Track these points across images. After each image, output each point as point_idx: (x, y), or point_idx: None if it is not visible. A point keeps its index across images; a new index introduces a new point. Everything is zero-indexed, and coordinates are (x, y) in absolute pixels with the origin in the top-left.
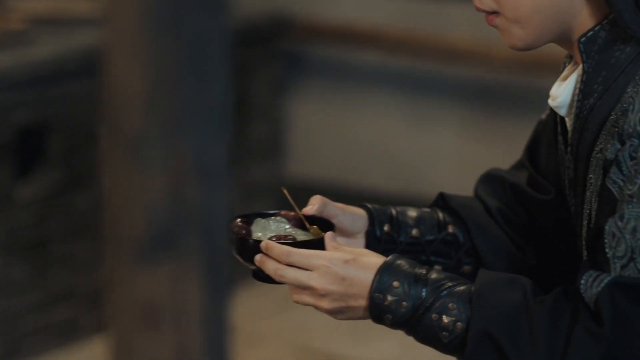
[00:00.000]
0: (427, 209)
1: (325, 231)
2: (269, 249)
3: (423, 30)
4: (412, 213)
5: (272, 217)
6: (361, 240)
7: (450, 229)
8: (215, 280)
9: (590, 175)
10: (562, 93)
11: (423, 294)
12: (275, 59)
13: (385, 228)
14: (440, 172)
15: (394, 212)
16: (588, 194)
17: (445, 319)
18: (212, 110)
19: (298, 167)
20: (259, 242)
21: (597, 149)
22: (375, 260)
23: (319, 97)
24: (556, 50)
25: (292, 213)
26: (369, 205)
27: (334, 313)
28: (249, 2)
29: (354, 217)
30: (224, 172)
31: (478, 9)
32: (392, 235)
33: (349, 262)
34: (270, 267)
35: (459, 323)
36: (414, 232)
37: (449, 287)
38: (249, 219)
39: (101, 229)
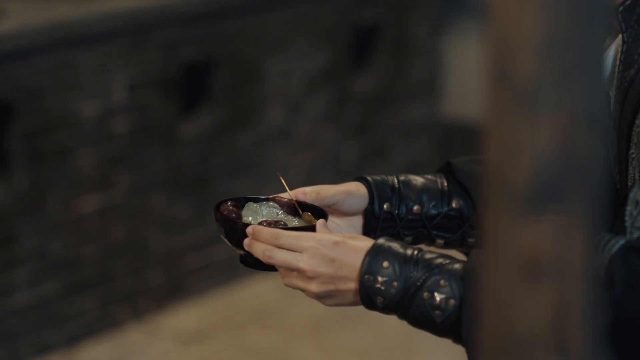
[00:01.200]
0: (432, 179)
1: (318, 218)
2: (257, 233)
3: None
4: (416, 185)
5: (265, 202)
6: (359, 218)
7: (455, 204)
8: (596, 235)
9: (632, 150)
10: None
11: (414, 273)
12: None
13: (385, 206)
14: None
15: (396, 184)
16: (630, 169)
17: (437, 296)
18: (599, 59)
19: (454, 107)
20: (247, 225)
21: (637, 122)
22: (365, 243)
23: (476, 36)
24: None
25: (285, 199)
26: (370, 180)
27: (323, 297)
28: None
29: (352, 198)
30: (605, 123)
31: None
32: (392, 213)
33: (339, 244)
34: (259, 249)
35: (451, 300)
36: (416, 208)
37: (440, 264)
38: (239, 202)
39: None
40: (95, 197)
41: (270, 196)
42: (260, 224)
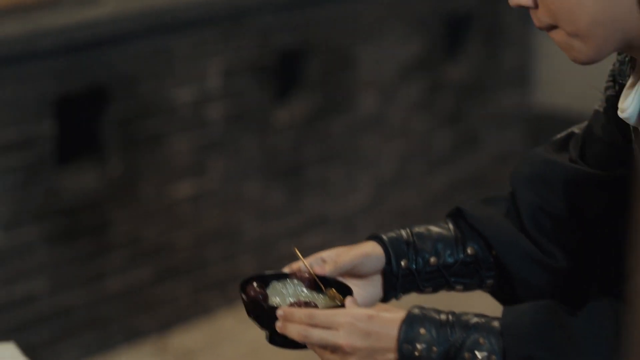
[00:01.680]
0: (444, 227)
1: (341, 291)
2: (290, 315)
3: None
4: (430, 236)
5: (288, 280)
6: (378, 277)
7: (470, 250)
8: None
9: None
10: (630, 104)
11: (452, 335)
12: None
13: (402, 263)
14: None
15: (410, 238)
16: None
17: (478, 354)
18: None
19: (546, 96)
20: (276, 308)
21: None
22: (399, 313)
23: None
24: None
25: (306, 274)
26: (385, 238)
27: None
28: None
29: (369, 260)
30: None
31: (539, 28)
32: (410, 269)
33: (373, 318)
34: (294, 330)
35: (493, 356)
36: (432, 260)
37: (477, 323)
38: (264, 282)
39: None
40: (189, 184)
41: (290, 271)
42: (290, 305)
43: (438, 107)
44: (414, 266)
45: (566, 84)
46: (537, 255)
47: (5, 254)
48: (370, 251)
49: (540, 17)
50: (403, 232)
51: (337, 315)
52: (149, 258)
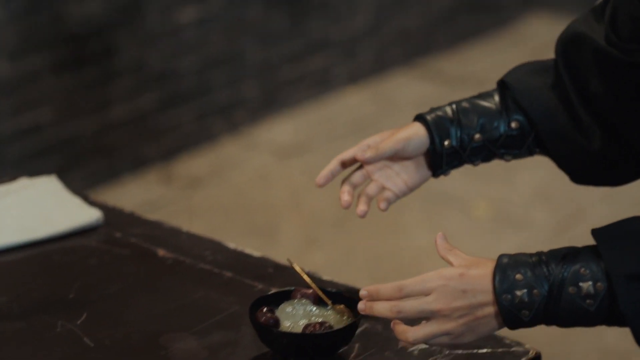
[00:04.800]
0: (490, 101)
1: (346, 304)
2: (376, 294)
3: None
4: (474, 111)
5: (297, 301)
6: (423, 157)
7: (514, 124)
8: None
9: None
10: None
11: (550, 272)
12: None
13: (446, 143)
14: None
15: (455, 115)
16: None
17: (583, 285)
18: None
19: None
20: (287, 334)
21: None
22: (487, 265)
23: None
24: None
25: (309, 290)
26: (428, 119)
27: (464, 333)
28: None
29: (411, 144)
30: None
31: None
32: (454, 147)
33: (464, 275)
34: (383, 308)
35: (598, 283)
36: (477, 136)
37: (570, 255)
38: (272, 303)
39: None
40: (193, 8)
41: (294, 288)
42: (305, 329)
43: None
44: (457, 144)
45: None
46: (573, 135)
47: (10, 84)
48: (412, 134)
49: None
50: (448, 109)
51: (426, 281)
52: (154, 85)
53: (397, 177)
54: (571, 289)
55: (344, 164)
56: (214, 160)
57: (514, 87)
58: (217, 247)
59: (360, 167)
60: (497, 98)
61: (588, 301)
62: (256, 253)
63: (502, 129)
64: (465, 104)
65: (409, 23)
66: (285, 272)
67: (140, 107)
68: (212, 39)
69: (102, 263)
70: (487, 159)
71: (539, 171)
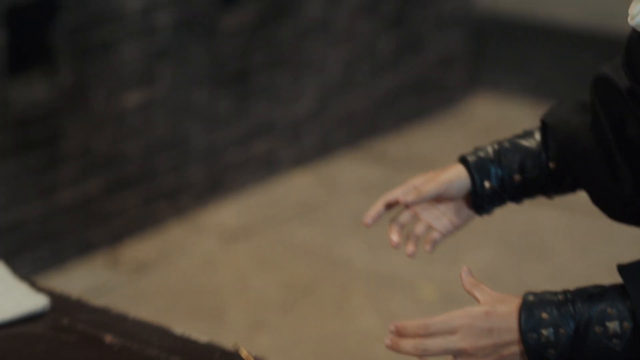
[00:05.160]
0: (531, 140)
1: None
2: (402, 330)
3: None
4: (516, 151)
5: None
6: (467, 199)
7: (552, 165)
8: None
9: None
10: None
11: (576, 311)
12: None
13: (486, 184)
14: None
15: (496, 156)
16: None
17: (610, 325)
18: None
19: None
20: None
21: None
22: (512, 303)
23: None
24: None
25: None
26: (470, 160)
27: None
28: None
29: (453, 186)
30: None
31: None
32: (494, 189)
33: (490, 314)
34: (409, 345)
35: (625, 323)
36: (516, 177)
37: (596, 294)
38: None
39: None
40: (138, 93)
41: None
42: None
43: (382, 10)
44: (498, 185)
45: None
46: (606, 177)
47: None
48: (454, 176)
49: None
50: (490, 149)
51: (452, 319)
52: (100, 169)
53: (443, 217)
54: (597, 329)
55: (389, 205)
56: (160, 245)
57: (553, 127)
58: (164, 333)
59: (408, 206)
60: (538, 137)
61: (615, 341)
62: (203, 338)
63: (541, 168)
64: (506, 144)
65: (354, 105)
66: (232, 357)
67: (86, 192)
68: (157, 124)
69: (50, 350)
70: (529, 197)
71: (485, 251)
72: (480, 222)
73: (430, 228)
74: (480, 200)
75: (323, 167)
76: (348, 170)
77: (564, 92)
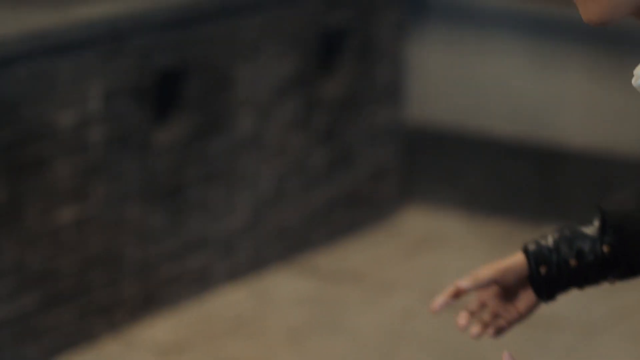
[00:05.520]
0: (588, 228)
1: None
2: None
3: None
4: (575, 238)
5: None
6: (529, 289)
7: (606, 249)
8: None
9: None
10: None
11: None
12: (398, 1)
13: (542, 271)
14: (567, 116)
15: (554, 244)
16: None
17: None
18: None
19: (419, 111)
20: None
21: None
22: None
23: (442, 39)
24: None
25: None
26: (530, 248)
27: None
28: None
29: (510, 274)
30: None
31: None
32: (552, 274)
33: None
34: None
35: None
36: (573, 262)
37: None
38: None
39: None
40: (72, 208)
41: None
42: None
43: (314, 124)
44: (555, 271)
45: (438, 99)
46: None
47: None
48: (511, 264)
49: None
50: (550, 238)
51: None
52: (35, 285)
53: (509, 304)
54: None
55: (456, 294)
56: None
57: (608, 211)
58: None
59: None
60: (596, 223)
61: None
62: None
63: (596, 253)
64: (567, 231)
65: (287, 219)
66: None
67: (20, 307)
68: (91, 239)
69: None
70: (589, 282)
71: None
72: None
73: (497, 316)
74: (538, 286)
75: (257, 281)
76: (282, 284)
77: (495, 203)
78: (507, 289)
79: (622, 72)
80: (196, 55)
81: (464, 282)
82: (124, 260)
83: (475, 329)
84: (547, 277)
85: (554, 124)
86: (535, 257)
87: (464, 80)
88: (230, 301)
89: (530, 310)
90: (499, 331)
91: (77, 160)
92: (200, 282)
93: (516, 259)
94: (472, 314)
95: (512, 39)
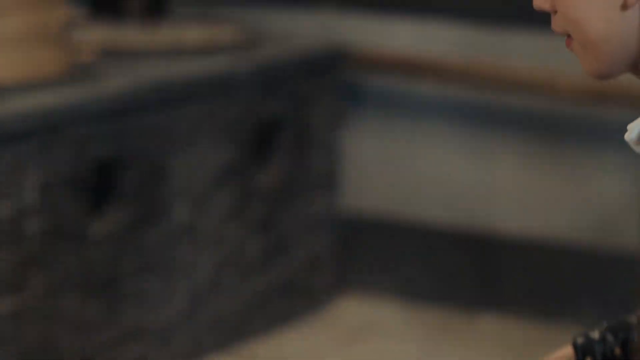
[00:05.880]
0: (632, 317)
1: None
2: None
3: (484, 61)
4: (620, 327)
5: None
6: None
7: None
8: None
9: None
10: (636, 125)
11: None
12: (334, 91)
13: None
14: (501, 206)
15: (600, 335)
16: None
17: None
18: None
19: (354, 200)
20: None
21: None
22: None
23: (376, 128)
24: (624, 81)
25: None
26: (578, 340)
27: None
28: (308, 33)
29: None
30: None
31: (556, 33)
32: None
33: None
34: None
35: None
36: (617, 350)
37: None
38: None
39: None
40: (8, 300)
41: None
42: None
43: (250, 214)
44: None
45: (374, 187)
46: None
47: None
48: (561, 356)
49: (557, 23)
50: (597, 330)
51: None
52: None
53: None
54: None
55: None
56: None
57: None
58: None
59: None
60: (638, 312)
61: None
62: None
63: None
64: (613, 322)
65: (224, 308)
66: None
67: None
68: (27, 331)
69: None
70: None
71: None
72: None
73: None
74: None
75: None
76: None
77: (431, 292)
78: None
79: (555, 159)
80: (132, 145)
81: None
82: (61, 352)
83: None
84: None
85: (489, 212)
86: (582, 349)
87: (399, 169)
88: None
89: None
90: None
91: (13, 252)
92: None
93: (565, 351)
94: None
95: (447, 127)
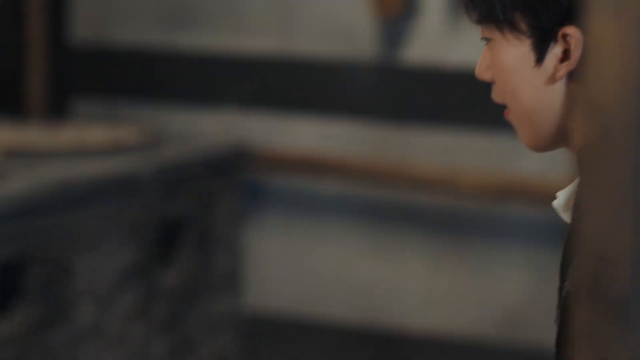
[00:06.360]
0: None
1: None
2: None
3: (386, 159)
4: None
5: None
6: None
7: None
8: None
9: None
10: (563, 193)
11: None
12: (235, 190)
13: None
14: (406, 303)
15: None
16: None
17: None
18: None
19: (258, 299)
20: None
21: None
22: None
23: (279, 227)
24: (526, 177)
25: None
26: None
27: None
28: (210, 132)
29: None
30: None
31: (497, 103)
32: None
33: None
34: None
35: None
36: None
37: None
38: None
39: None
40: None
41: None
42: None
43: (154, 313)
44: None
45: (277, 286)
46: None
47: None
48: None
49: (496, 93)
50: None
51: None
52: None
53: None
54: None
55: None
56: None
57: None
58: None
59: None
60: None
61: None
62: None
63: None
64: None
65: None
66: None
67: None
68: None
69: None
70: None
71: None
72: None
73: None
74: None
75: None
76: None
77: None
78: None
79: (459, 255)
80: (35, 246)
81: None
82: None
83: None
84: None
85: (393, 309)
86: None
87: (303, 267)
88: None
89: None
90: None
91: None
92: None
93: None
94: None
95: (350, 225)
